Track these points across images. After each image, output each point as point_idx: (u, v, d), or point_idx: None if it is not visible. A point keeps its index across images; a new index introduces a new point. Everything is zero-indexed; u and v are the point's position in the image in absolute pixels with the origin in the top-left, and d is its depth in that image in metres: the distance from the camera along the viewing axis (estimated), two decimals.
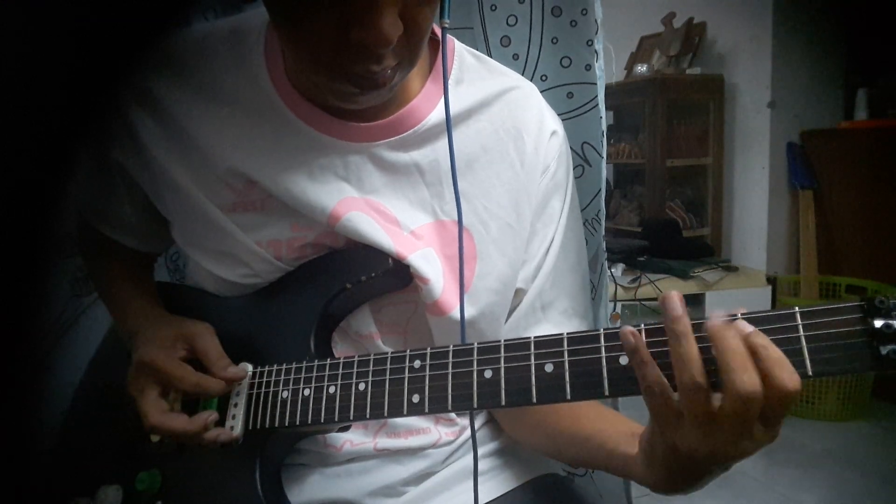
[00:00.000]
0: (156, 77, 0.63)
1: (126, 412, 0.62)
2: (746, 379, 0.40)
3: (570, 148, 0.85)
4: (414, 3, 0.50)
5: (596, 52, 0.83)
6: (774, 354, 0.40)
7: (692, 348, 0.42)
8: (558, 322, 0.69)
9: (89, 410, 0.72)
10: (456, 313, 0.61)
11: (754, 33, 2.49)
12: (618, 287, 2.14)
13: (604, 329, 0.48)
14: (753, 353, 0.41)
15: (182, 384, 0.59)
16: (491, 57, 0.70)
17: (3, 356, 0.36)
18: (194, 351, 0.61)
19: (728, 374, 0.40)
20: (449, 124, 0.60)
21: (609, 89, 0.87)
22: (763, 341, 0.41)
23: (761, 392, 0.40)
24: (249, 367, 0.62)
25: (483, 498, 0.67)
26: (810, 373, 0.41)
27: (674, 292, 0.44)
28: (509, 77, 0.69)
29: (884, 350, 0.39)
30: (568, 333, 0.49)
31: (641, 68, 2.67)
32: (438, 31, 0.61)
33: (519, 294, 0.67)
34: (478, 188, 0.64)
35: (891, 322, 0.39)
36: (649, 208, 2.66)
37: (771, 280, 2.31)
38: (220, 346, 0.61)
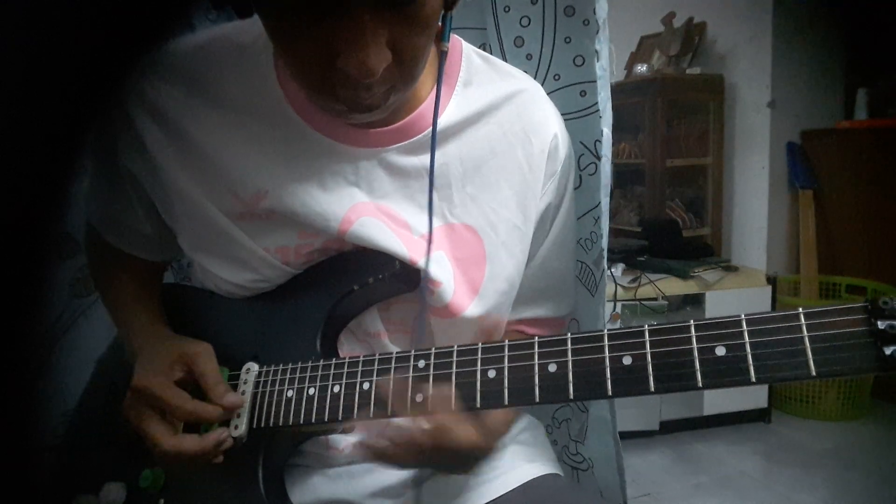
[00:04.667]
0: (160, 84, 0.62)
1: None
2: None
3: (584, 146, 0.85)
4: (403, 34, 0.49)
5: (597, 51, 0.83)
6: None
7: None
8: (546, 307, 0.73)
9: (95, 408, 0.72)
10: (467, 313, 0.62)
11: (754, 33, 2.48)
12: (618, 287, 2.14)
13: (607, 330, 0.48)
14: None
15: (178, 413, 0.57)
16: (505, 57, 0.70)
17: (3, 357, 0.36)
18: (192, 373, 0.60)
19: None
20: (434, 141, 0.61)
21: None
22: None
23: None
24: (255, 367, 0.62)
25: (484, 498, 0.67)
26: (814, 373, 0.41)
27: None
28: (517, 79, 0.69)
29: (888, 351, 0.39)
30: (571, 334, 0.49)
31: (641, 68, 2.66)
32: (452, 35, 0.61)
33: None
34: (486, 191, 0.64)
35: (894, 323, 0.39)
36: (649, 208, 2.65)
37: (771, 280, 2.30)
38: (218, 369, 0.60)
